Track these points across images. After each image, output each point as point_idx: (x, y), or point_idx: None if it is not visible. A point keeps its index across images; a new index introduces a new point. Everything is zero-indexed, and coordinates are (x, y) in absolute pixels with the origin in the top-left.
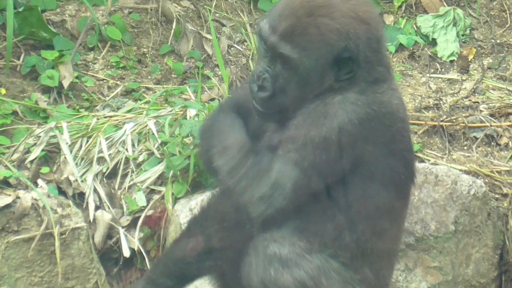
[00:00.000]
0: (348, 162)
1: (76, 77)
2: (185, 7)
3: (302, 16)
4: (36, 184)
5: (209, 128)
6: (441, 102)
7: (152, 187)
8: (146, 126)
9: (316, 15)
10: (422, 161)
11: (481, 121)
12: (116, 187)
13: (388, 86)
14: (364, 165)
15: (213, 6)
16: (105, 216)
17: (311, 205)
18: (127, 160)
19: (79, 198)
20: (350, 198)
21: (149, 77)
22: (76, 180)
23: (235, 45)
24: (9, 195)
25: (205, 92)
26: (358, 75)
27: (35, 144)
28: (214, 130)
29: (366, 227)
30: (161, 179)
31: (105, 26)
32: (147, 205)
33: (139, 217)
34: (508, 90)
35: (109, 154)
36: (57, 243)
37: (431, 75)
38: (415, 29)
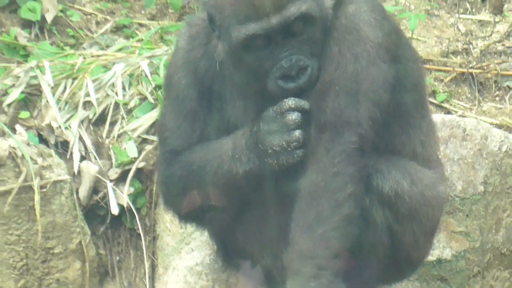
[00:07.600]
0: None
1: (61, 11)
2: None
3: None
4: (14, 131)
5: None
6: (471, 46)
7: (145, 136)
8: (139, 67)
9: None
10: (448, 112)
11: None
12: (104, 135)
13: None
14: None
15: None
16: (91, 168)
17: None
18: (116, 105)
19: (62, 147)
20: None
21: (142, 12)
22: (59, 127)
23: None
24: None
25: None
26: None
27: (13, 85)
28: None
29: None
30: (154, 128)
31: None
32: (139, 156)
33: (129, 169)
34: None
35: (97, 98)
36: (36, 198)
37: (461, 16)
38: None
